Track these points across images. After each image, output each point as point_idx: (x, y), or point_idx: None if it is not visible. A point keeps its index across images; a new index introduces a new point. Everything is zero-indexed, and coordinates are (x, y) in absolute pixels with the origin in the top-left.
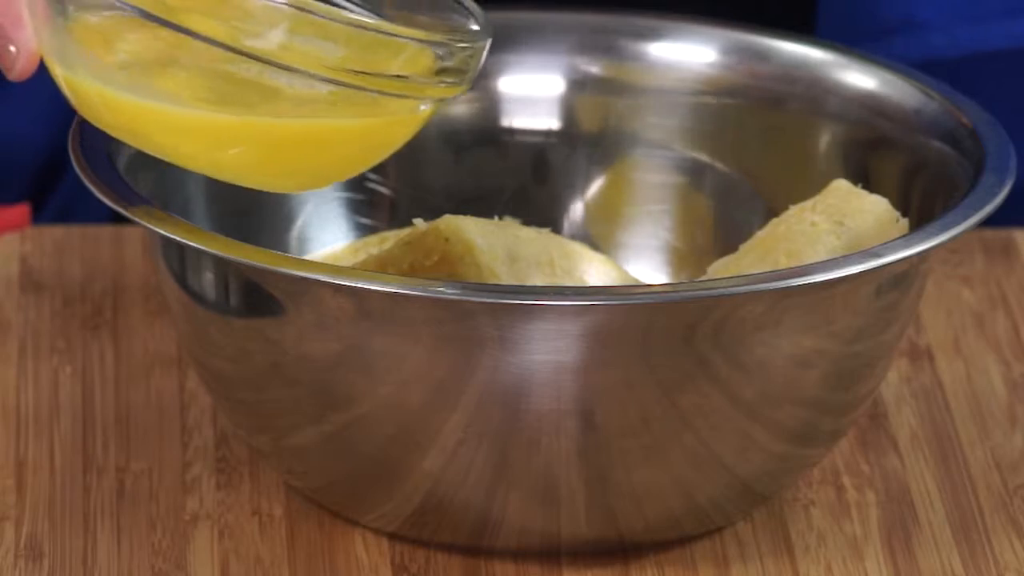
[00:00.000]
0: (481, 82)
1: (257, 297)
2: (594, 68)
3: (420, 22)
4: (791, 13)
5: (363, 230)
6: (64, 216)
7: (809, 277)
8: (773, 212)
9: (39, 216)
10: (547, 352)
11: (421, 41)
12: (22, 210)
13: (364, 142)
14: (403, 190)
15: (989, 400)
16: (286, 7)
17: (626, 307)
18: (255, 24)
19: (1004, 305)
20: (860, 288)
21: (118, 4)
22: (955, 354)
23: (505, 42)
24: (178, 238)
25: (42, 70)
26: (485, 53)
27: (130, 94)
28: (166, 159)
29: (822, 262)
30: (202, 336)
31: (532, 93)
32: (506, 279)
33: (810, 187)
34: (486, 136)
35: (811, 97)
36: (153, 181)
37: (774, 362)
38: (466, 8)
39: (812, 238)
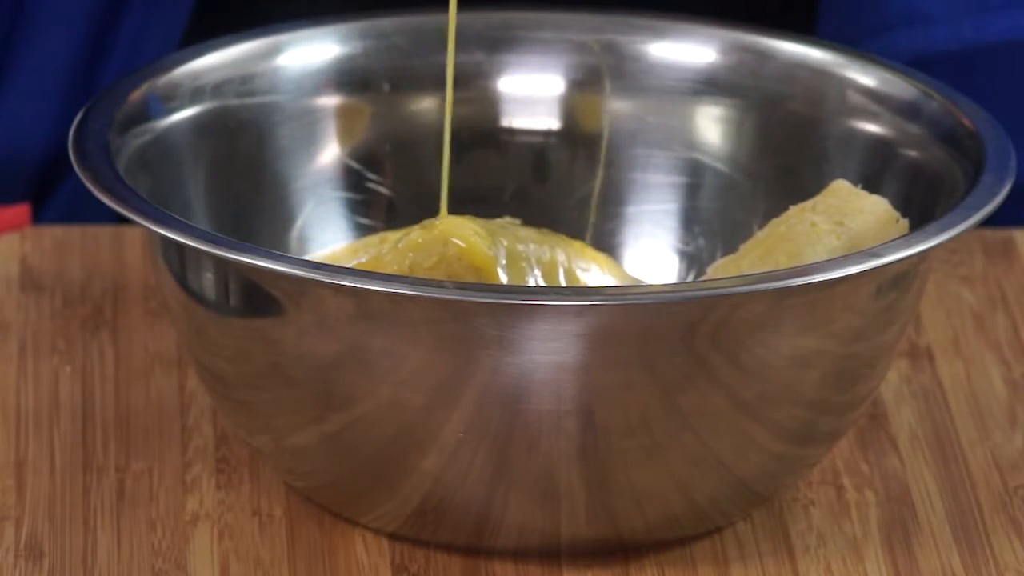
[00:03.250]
0: (481, 82)
1: (257, 297)
2: (594, 68)
3: None
4: (792, 9)
5: (363, 230)
6: (66, 217)
7: (809, 277)
8: (773, 212)
9: (42, 217)
10: (547, 352)
11: None
12: (22, 210)
13: None
14: (403, 190)
15: (989, 400)
16: None
17: (626, 307)
18: None
19: (1004, 305)
20: (860, 288)
21: None
22: (955, 354)
23: (505, 42)
24: (178, 238)
25: (44, 70)
26: None
27: None
28: None
29: (822, 262)
30: (202, 336)
31: (532, 93)
32: (505, 279)
33: (810, 187)
34: (486, 136)
35: (811, 97)
36: (153, 181)
37: (774, 362)
38: None
39: (812, 238)
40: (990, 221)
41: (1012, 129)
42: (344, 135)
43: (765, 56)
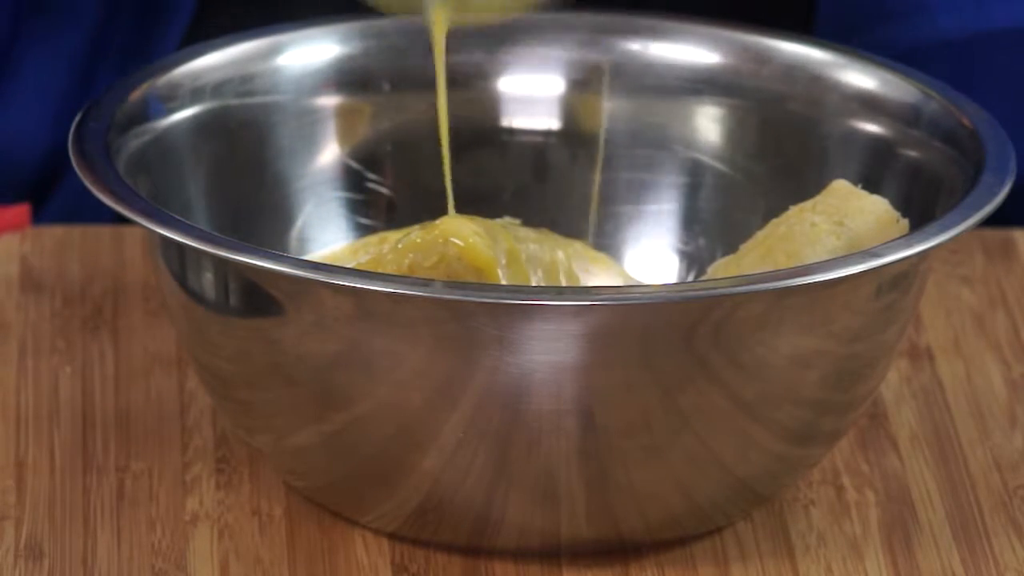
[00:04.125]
0: (481, 82)
1: (257, 297)
2: (594, 67)
3: None
4: (791, 2)
5: (363, 230)
6: (66, 217)
7: (809, 277)
8: (773, 212)
9: (42, 217)
10: (547, 352)
11: None
12: (22, 210)
13: None
14: (402, 190)
15: (989, 400)
16: None
17: (626, 307)
18: None
19: (1004, 305)
20: (860, 288)
21: None
22: (955, 354)
23: (505, 42)
24: (178, 238)
25: (43, 71)
26: None
27: None
28: None
29: (822, 262)
30: (202, 336)
31: (532, 93)
32: (505, 279)
33: (810, 187)
34: (486, 136)
35: (811, 97)
36: (153, 181)
37: (774, 362)
38: None
39: (812, 238)
40: (990, 221)
41: (1014, 117)
42: (344, 135)
43: (765, 56)
